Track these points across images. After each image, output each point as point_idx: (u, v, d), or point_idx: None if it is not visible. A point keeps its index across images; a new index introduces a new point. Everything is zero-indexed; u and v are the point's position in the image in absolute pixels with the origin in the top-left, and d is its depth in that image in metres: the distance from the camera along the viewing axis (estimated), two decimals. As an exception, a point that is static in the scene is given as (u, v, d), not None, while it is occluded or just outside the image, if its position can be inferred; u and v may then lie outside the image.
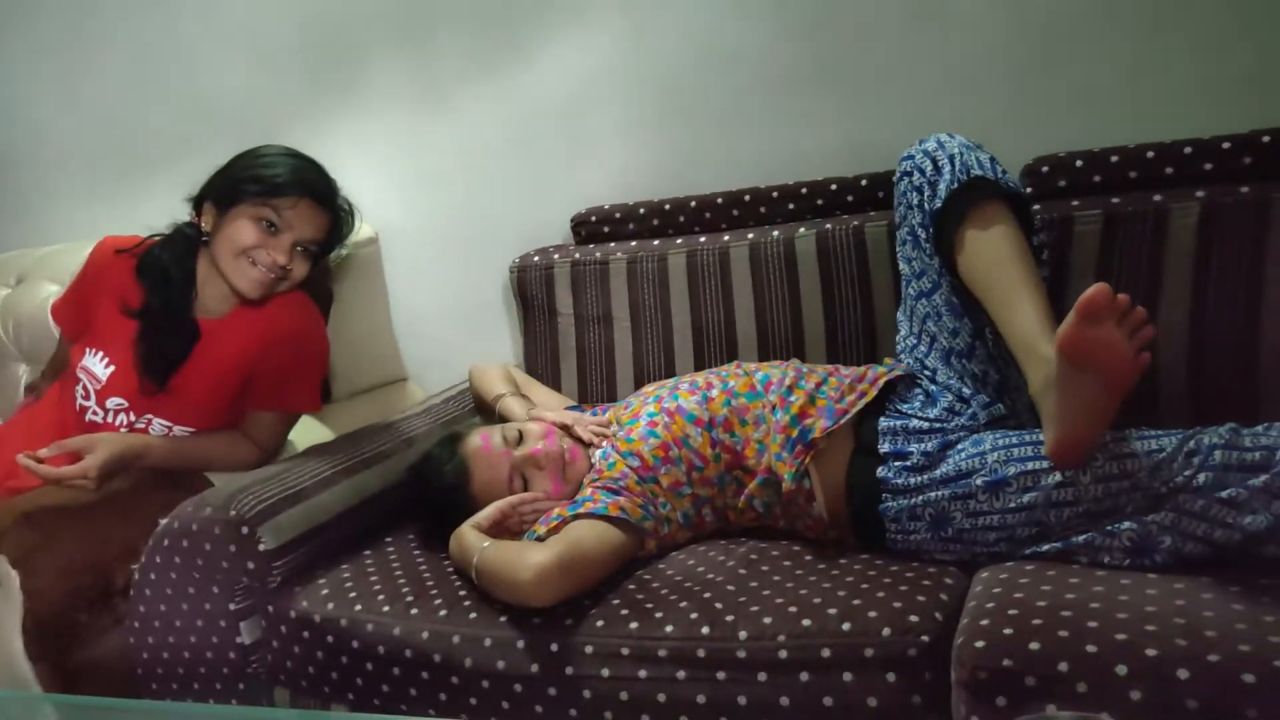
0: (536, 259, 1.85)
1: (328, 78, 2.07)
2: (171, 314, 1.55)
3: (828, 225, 1.59)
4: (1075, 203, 1.40)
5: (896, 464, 1.22)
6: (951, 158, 1.26)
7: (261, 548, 1.30)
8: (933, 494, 1.18)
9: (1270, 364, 1.29)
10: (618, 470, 1.35)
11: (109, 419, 1.57)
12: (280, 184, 1.49)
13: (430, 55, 1.98)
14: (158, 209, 1.87)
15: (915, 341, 1.33)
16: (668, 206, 1.76)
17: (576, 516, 1.29)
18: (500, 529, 1.33)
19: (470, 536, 1.29)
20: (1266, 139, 1.34)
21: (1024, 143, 1.53)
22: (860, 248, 1.55)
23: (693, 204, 1.74)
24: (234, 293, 1.54)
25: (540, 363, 1.85)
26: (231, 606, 1.30)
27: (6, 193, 2.53)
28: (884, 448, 1.24)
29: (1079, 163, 1.42)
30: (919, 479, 1.20)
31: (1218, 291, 1.31)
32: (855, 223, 1.57)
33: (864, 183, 1.61)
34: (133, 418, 1.57)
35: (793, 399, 1.33)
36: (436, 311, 2.12)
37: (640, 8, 1.80)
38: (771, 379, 1.38)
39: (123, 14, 2.25)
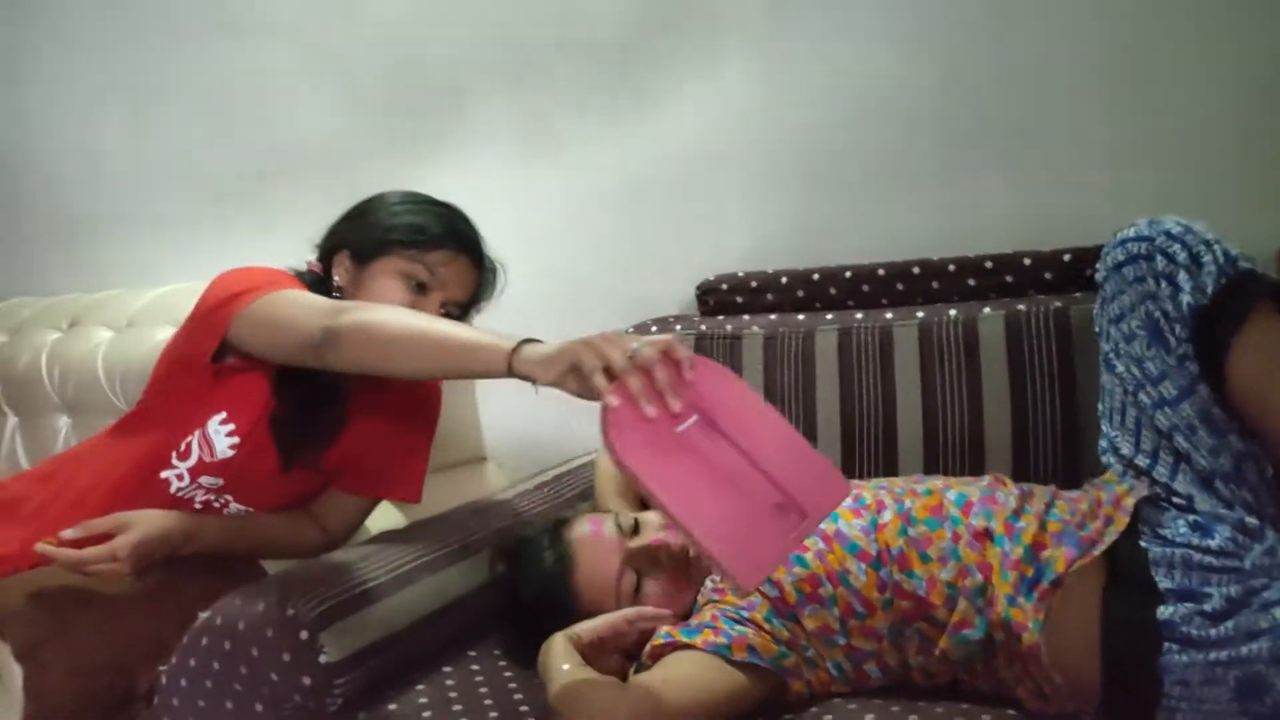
0: (654, 329, 1.60)
1: (419, 119, 1.89)
2: (321, 386, 1.27)
3: (1020, 306, 1.33)
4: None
5: (1186, 606, 0.93)
6: (1207, 243, 1.03)
7: (323, 659, 1.02)
8: (1243, 650, 0.87)
9: None
10: (745, 597, 1.07)
11: (188, 494, 1.29)
12: (436, 236, 1.27)
13: (539, 99, 1.78)
14: (225, 253, 1.66)
15: (1150, 461, 1.05)
16: (816, 276, 1.52)
17: (688, 645, 1.02)
18: (604, 649, 1.06)
19: (558, 651, 1.02)
20: None
21: (1263, 226, 1.27)
22: (1063, 334, 1.29)
23: (848, 274, 1.49)
24: None
25: (650, 450, 1.58)
26: (278, 732, 1.03)
27: (62, 233, 2.36)
28: (1164, 582, 0.95)
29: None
30: (1220, 630, 0.89)
31: None
32: (1057, 304, 1.31)
33: (1067, 258, 1.35)
34: (211, 497, 1.31)
35: (1021, 525, 1.04)
36: (524, 385, 1.88)
37: (781, 51, 1.59)
38: (970, 498, 1.09)
39: (200, 47, 2.10)
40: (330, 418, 1.29)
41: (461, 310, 1.36)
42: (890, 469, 1.37)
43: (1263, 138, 1.33)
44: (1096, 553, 0.98)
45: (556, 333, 1.82)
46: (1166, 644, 0.91)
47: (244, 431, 1.26)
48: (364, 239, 1.30)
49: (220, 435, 1.27)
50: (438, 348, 1.06)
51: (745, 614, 1.06)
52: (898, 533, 1.07)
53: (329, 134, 1.97)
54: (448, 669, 1.15)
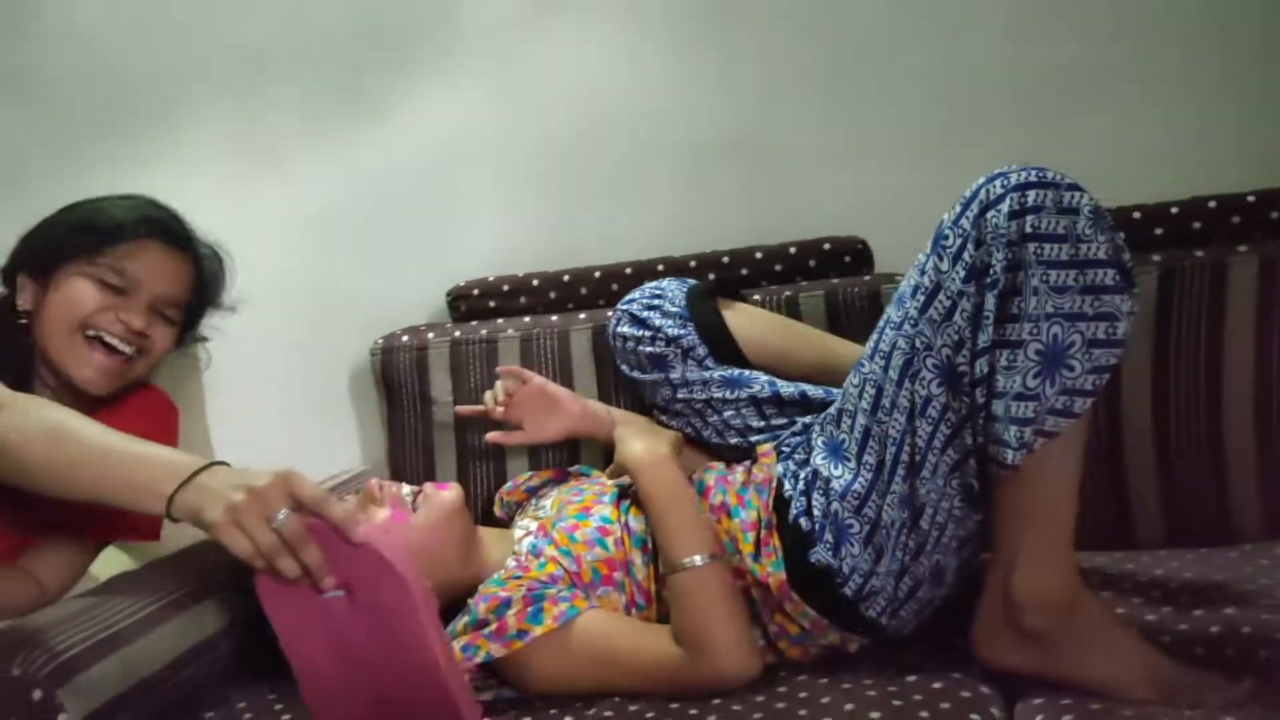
0: (406, 339, 1.56)
1: (130, 128, 1.72)
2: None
3: (756, 296, 1.43)
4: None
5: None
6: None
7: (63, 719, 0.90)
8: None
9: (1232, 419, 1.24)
10: (547, 572, 1.09)
11: None
12: (113, 228, 1.16)
13: (262, 108, 1.69)
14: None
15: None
16: (567, 277, 1.54)
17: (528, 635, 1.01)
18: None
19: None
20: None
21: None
22: (832, 312, 1.40)
23: (597, 275, 1.53)
24: (69, 388, 1.16)
25: (409, 460, 1.54)
26: (10, 813, 0.89)
27: None
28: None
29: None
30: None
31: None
32: (788, 293, 1.42)
33: (793, 250, 1.48)
34: None
35: (749, 495, 1.12)
36: (263, 409, 1.76)
37: (520, 59, 1.62)
38: (708, 482, 1.16)
39: None
40: None
41: (186, 311, 1.25)
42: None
43: (960, 138, 1.53)
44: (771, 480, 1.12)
45: (301, 352, 1.75)
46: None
47: None
48: (38, 251, 1.18)
49: None
50: (72, 465, 0.90)
51: (550, 587, 1.06)
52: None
53: (17, 152, 1.75)
54: (209, 715, 1.06)
